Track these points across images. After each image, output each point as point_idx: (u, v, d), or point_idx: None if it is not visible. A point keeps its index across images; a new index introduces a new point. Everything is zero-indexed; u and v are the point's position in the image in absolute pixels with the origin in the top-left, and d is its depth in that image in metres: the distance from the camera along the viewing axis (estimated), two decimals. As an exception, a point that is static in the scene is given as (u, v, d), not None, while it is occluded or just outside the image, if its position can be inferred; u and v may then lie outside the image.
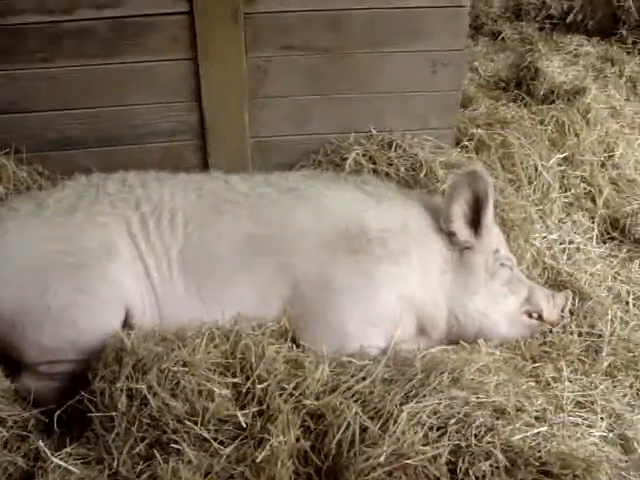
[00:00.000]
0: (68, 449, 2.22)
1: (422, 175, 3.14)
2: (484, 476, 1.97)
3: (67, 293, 2.44)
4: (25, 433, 2.35)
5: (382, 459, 2.00)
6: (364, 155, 3.23)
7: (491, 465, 1.99)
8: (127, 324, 2.52)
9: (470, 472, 1.98)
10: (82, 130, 3.19)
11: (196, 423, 2.15)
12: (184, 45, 3.04)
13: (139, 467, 2.12)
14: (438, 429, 2.11)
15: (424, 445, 2.05)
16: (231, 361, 2.34)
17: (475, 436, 2.06)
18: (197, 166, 3.27)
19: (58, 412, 2.35)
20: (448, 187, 2.77)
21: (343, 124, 3.37)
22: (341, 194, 2.80)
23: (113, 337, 2.39)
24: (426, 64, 3.29)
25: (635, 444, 2.35)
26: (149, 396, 2.18)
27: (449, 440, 2.06)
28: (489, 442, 2.04)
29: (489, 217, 2.73)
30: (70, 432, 2.34)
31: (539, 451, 2.03)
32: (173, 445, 2.13)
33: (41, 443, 2.21)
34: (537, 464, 1.99)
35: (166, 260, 2.59)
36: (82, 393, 2.29)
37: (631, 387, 2.64)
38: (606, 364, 2.69)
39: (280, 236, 2.64)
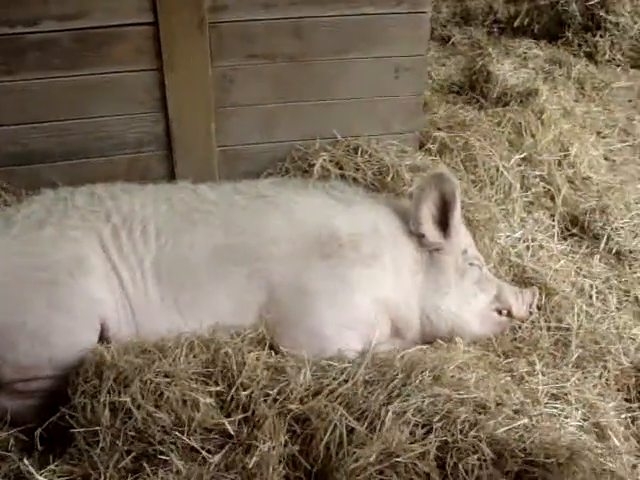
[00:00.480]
0: (52, 466, 2.20)
1: (389, 179, 3.19)
2: (472, 470, 2.02)
3: (41, 309, 2.41)
4: (5, 453, 2.31)
5: (372, 459, 2.03)
6: (331, 161, 3.26)
7: (479, 459, 2.03)
8: (103, 337, 2.49)
9: (459, 466, 2.02)
10: (47, 144, 3.14)
11: (183, 433, 2.15)
12: (149, 55, 3.03)
13: (127, 481, 2.11)
14: (423, 426, 2.15)
15: (412, 443, 2.09)
16: (212, 370, 2.35)
17: (460, 431, 2.11)
18: (164, 177, 3.26)
19: (39, 430, 2.31)
20: (415, 190, 2.81)
21: (309, 131, 3.40)
22: (311, 200, 2.83)
23: (92, 351, 2.36)
24: (389, 70, 3.34)
25: (609, 431, 2.42)
26: (133, 409, 2.17)
27: (435, 437, 2.10)
28: (475, 436, 2.09)
29: (457, 218, 2.79)
30: (51, 450, 2.31)
31: (523, 442, 2.08)
32: (160, 456, 2.12)
33: (26, 461, 2.17)
34: (522, 455, 2.04)
35: (140, 271, 2.57)
36: (63, 409, 2.26)
37: (600, 377, 2.71)
38: (575, 356, 2.77)
39: (253, 243, 2.65)
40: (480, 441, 2.08)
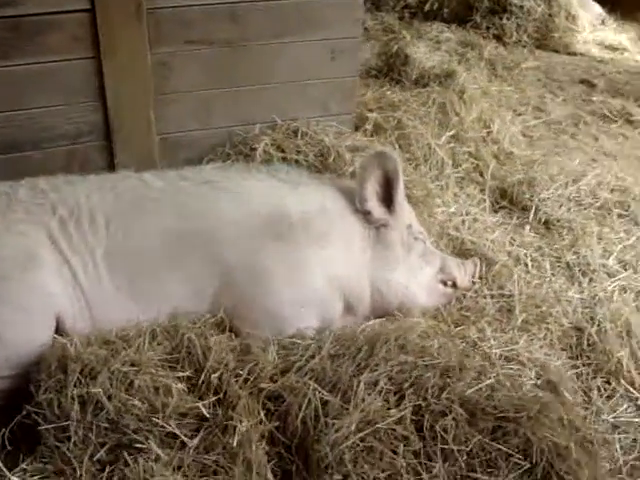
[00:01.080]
0: (24, 465, 2.13)
1: (331, 160, 3.24)
2: (449, 430, 2.10)
3: (-7, 308, 2.33)
4: (-30, 457, 2.23)
5: (353, 427, 2.08)
6: (272, 144, 3.28)
7: (453, 419, 2.12)
8: (59, 332, 2.43)
9: (436, 428, 2.10)
10: (-20, 138, 3.02)
11: (158, 420, 2.13)
12: (86, 43, 2.95)
13: (105, 473, 2.07)
14: (395, 393, 2.23)
15: (387, 409, 2.16)
16: (177, 356, 2.35)
17: (432, 395, 2.19)
18: (103, 167, 3.18)
19: (5, 431, 2.23)
20: (359, 169, 2.87)
21: (248, 115, 3.40)
22: (257, 183, 2.84)
23: (54, 345, 2.31)
24: (325, 52, 3.39)
25: (561, 387, 2.57)
26: (104, 399, 2.13)
27: (409, 402, 2.18)
28: (447, 398, 2.18)
29: (400, 194, 2.86)
30: (18, 450, 2.23)
31: (493, 401, 2.19)
32: (137, 445, 2.09)
33: (-2, 462, 2.10)
34: (494, 412, 2.15)
35: (92, 262, 2.52)
36: (28, 407, 2.19)
37: (545, 338, 2.86)
38: (520, 320, 2.91)
39: (204, 228, 2.64)
40: (452, 402, 2.17)
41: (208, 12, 3.11)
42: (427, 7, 5.83)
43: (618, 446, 2.48)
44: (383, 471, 2.03)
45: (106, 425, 2.12)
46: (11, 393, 2.35)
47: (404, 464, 2.04)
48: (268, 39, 3.27)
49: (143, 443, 2.10)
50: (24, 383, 2.29)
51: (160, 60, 3.13)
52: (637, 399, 2.69)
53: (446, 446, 2.08)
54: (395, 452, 2.07)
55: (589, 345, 2.87)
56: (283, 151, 3.27)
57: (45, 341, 2.36)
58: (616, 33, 6.39)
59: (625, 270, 3.33)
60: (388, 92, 4.12)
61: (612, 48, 6.07)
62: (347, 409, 2.16)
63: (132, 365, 2.24)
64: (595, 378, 2.76)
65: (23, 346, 2.35)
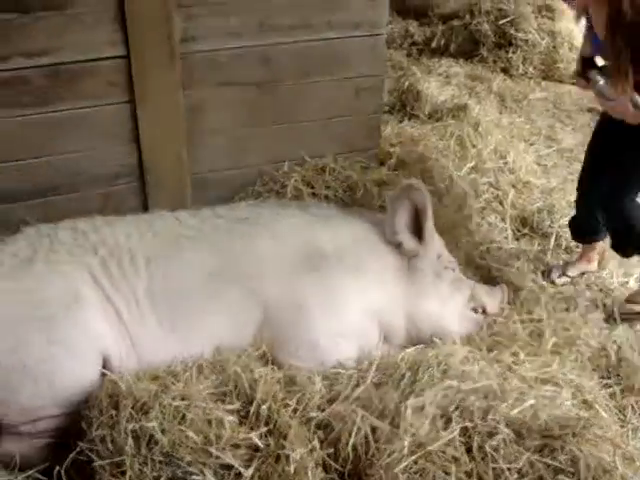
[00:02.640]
0: (82, 501, 2.18)
1: (359, 194, 3.32)
2: (497, 450, 2.15)
3: (41, 347, 2.38)
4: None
5: (405, 451, 2.13)
6: (302, 181, 3.37)
7: (503, 440, 2.17)
8: (105, 369, 2.48)
9: (485, 448, 2.15)
10: (18, 183, 3.09)
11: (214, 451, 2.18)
12: (121, 88, 3.05)
13: (163, 505, 2.11)
14: (442, 417, 2.27)
15: (437, 432, 2.20)
16: (225, 389, 2.39)
17: (478, 417, 2.24)
18: (137, 208, 3.27)
19: (61, 469, 2.26)
20: (389, 202, 2.94)
21: (277, 153, 3.50)
22: (290, 219, 2.91)
23: (104, 382, 2.36)
24: (350, 90, 3.50)
25: (596, 406, 2.62)
26: (159, 433, 2.18)
27: (456, 424, 2.23)
28: (492, 419, 2.22)
29: (430, 225, 2.93)
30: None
31: (538, 420, 2.24)
32: (194, 477, 2.13)
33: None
34: (540, 430, 2.20)
35: (134, 300, 2.58)
36: (81, 444, 2.23)
37: (576, 360, 2.91)
38: (551, 344, 2.96)
39: (243, 263, 2.71)
40: (498, 423, 2.21)
41: (239, 55, 3.22)
42: (434, 44, 5.97)
43: (657, 462, 2.52)
44: (437, 492, 2.08)
45: (161, 459, 2.15)
46: (61, 431, 2.40)
47: (457, 485, 2.09)
48: (296, 79, 3.38)
49: (198, 475, 2.13)
50: (74, 421, 2.34)
51: (192, 102, 3.23)
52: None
53: (496, 465, 2.12)
54: (447, 473, 2.11)
55: (619, 365, 2.92)
56: (312, 187, 3.36)
57: (93, 379, 2.42)
58: (618, 62, 6.53)
59: (646, 291, 3.40)
60: (407, 127, 4.22)
61: (615, 77, 6.20)
62: (397, 434, 2.21)
63: (182, 399, 2.28)
64: (628, 397, 2.81)
65: (71, 384, 2.40)
